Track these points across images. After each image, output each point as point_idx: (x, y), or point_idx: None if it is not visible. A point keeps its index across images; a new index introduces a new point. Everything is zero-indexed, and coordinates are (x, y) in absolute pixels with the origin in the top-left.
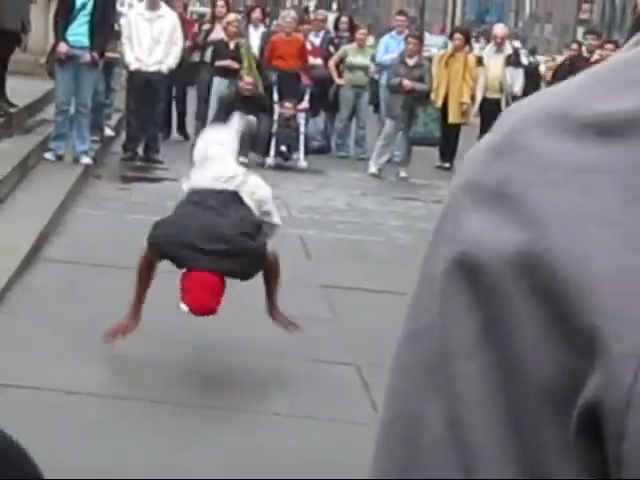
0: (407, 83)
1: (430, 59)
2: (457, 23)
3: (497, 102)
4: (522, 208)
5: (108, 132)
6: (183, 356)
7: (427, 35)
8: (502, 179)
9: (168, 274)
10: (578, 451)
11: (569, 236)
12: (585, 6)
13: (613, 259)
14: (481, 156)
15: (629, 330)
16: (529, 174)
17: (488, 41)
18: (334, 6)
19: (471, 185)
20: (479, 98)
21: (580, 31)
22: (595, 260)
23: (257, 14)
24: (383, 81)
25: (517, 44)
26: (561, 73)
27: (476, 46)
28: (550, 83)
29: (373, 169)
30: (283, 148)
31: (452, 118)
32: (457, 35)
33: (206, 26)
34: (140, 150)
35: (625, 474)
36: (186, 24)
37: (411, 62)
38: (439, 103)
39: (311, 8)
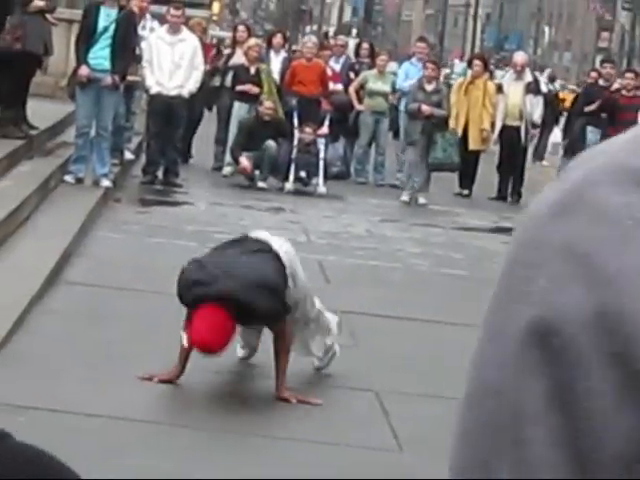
0: (425, 108)
1: (450, 85)
2: (476, 50)
3: (517, 130)
4: (593, 267)
5: (128, 155)
6: (205, 381)
7: (457, 62)
8: (571, 237)
9: None
10: None
11: None
12: (604, 34)
13: None
14: (547, 212)
15: None
16: (598, 231)
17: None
18: (354, 32)
19: (539, 243)
20: (499, 125)
21: (597, 59)
22: None
23: (278, 39)
24: (402, 107)
25: (538, 74)
26: (581, 101)
27: (498, 73)
28: (569, 111)
29: (406, 197)
30: (302, 173)
31: (472, 145)
32: (476, 62)
33: (227, 50)
34: (160, 174)
35: None
36: (206, 48)
37: (429, 88)
38: (459, 130)
39: (330, 34)
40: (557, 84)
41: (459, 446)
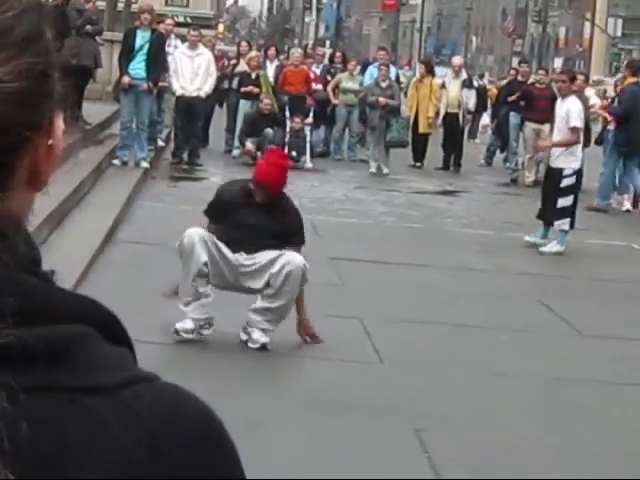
0: (382, 100)
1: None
2: (421, 56)
3: (456, 115)
4: None
5: (160, 143)
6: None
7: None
8: None
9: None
10: None
11: None
12: (518, 41)
13: None
14: None
15: None
16: None
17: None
18: (327, 44)
19: None
20: (442, 113)
21: (515, 60)
22: None
23: (272, 51)
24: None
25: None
26: (504, 93)
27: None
28: (495, 100)
29: (373, 168)
30: (294, 153)
31: (422, 129)
32: (422, 67)
33: (233, 61)
34: (185, 156)
35: None
36: (215, 59)
37: (384, 85)
38: (412, 118)
39: (310, 46)
40: (485, 80)
41: None
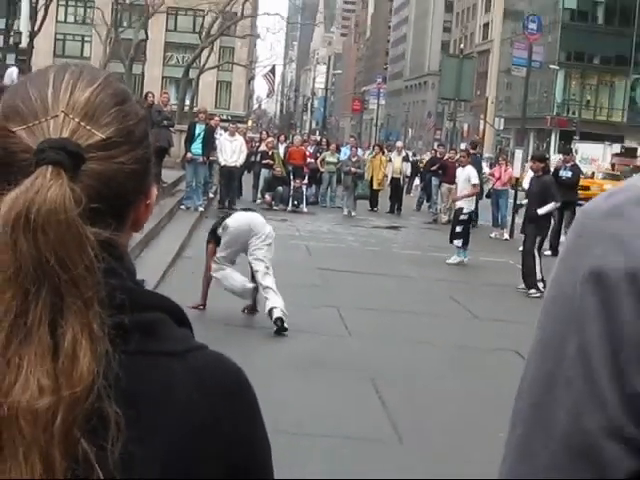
0: (352, 169)
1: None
2: (377, 141)
3: (398, 179)
4: (627, 247)
5: (211, 195)
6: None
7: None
8: (616, 230)
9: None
10: None
11: None
12: (437, 132)
13: None
14: (598, 214)
15: None
16: (630, 229)
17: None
18: (317, 132)
19: (594, 230)
20: (389, 177)
21: (435, 144)
22: None
23: (282, 138)
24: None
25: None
26: (428, 165)
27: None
28: (423, 169)
29: (346, 212)
30: (295, 202)
31: (376, 187)
32: (376, 148)
33: (257, 143)
34: (226, 203)
35: None
36: (246, 142)
37: (354, 159)
38: (369, 180)
39: (306, 134)
40: (417, 156)
41: (546, 324)
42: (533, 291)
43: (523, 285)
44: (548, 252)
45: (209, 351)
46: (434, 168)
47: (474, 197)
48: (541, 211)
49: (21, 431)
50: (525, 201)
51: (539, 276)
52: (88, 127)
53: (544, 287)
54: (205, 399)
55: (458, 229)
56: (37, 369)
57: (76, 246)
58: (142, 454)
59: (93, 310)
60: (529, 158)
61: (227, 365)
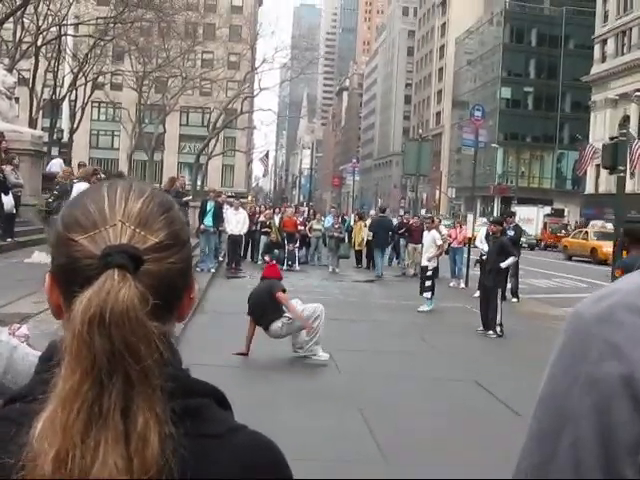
0: (335, 234)
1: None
2: (354, 211)
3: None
4: (621, 352)
5: (220, 259)
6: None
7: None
8: (608, 335)
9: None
10: None
11: None
12: (402, 201)
13: None
14: (590, 319)
15: None
16: (621, 334)
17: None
18: (304, 204)
19: (588, 334)
20: (366, 239)
21: (401, 211)
22: None
23: (276, 210)
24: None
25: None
26: (396, 228)
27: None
28: (393, 232)
29: (331, 269)
30: (290, 262)
31: (357, 247)
32: (356, 217)
33: (257, 216)
34: (233, 265)
35: None
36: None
37: (336, 225)
38: (351, 242)
39: (295, 205)
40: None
41: (550, 393)
42: (491, 332)
43: (482, 327)
44: (514, 299)
45: (248, 431)
46: (401, 231)
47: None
48: (503, 265)
49: None
50: (485, 257)
51: (499, 320)
52: (143, 233)
53: (501, 330)
54: (245, 478)
55: (428, 283)
56: (113, 452)
57: (145, 340)
58: None
59: (157, 396)
60: (486, 221)
61: (266, 445)
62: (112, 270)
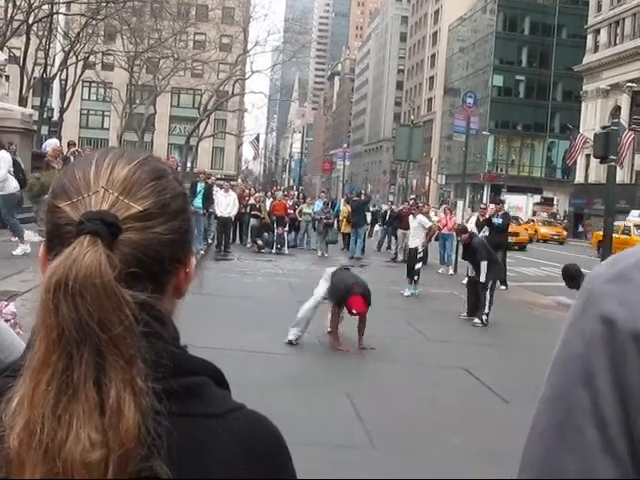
0: (324, 219)
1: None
2: (345, 195)
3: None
4: (634, 309)
5: (209, 241)
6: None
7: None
8: (622, 293)
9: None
10: None
11: None
12: (392, 187)
13: None
14: (604, 279)
15: None
16: (636, 292)
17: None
18: (294, 188)
19: (601, 293)
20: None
21: (391, 197)
22: None
23: (269, 193)
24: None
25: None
26: (391, 215)
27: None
28: (382, 217)
29: (319, 254)
30: (279, 246)
31: (343, 230)
32: (344, 201)
33: (247, 198)
34: (222, 248)
35: None
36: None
37: (325, 210)
38: (338, 227)
39: (286, 190)
40: (376, 207)
41: (558, 380)
42: (477, 321)
43: (465, 313)
44: (503, 287)
45: (247, 411)
46: (389, 220)
47: (426, 238)
48: (482, 279)
49: None
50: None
51: (486, 310)
52: (126, 200)
53: (486, 320)
54: (244, 459)
55: (418, 266)
56: (86, 425)
57: (113, 308)
58: None
59: (136, 367)
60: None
61: (265, 426)
62: (83, 237)
